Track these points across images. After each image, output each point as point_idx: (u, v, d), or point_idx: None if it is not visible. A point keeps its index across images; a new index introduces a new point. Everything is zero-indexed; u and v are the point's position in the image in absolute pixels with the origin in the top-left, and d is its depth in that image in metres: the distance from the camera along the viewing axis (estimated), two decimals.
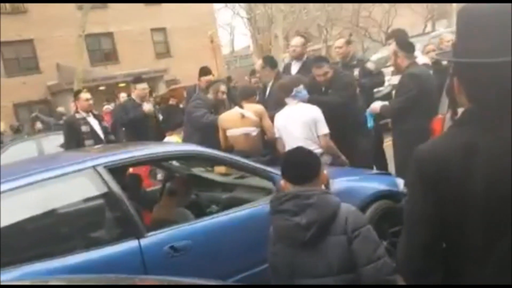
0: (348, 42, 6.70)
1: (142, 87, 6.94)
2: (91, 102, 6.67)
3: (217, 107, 5.75)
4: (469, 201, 1.39)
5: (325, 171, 2.55)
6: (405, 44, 5.04)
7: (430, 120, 4.26)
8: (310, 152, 2.52)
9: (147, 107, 6.75)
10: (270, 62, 6.16)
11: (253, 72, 9.85)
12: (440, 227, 1.44)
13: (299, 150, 2.57)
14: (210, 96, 5.81)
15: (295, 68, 6.24)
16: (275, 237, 2.44)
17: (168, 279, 2.36)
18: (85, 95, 6.68)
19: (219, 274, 3.22)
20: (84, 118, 6.44)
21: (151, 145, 4.10)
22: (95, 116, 6.66)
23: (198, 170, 5.12)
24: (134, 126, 6.61)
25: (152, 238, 3.19)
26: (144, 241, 3.14)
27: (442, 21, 31.36)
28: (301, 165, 2.42)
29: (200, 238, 3.37)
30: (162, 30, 28.44)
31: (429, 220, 1.45)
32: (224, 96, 5.81)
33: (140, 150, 3.76)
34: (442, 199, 1.42)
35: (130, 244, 3.11)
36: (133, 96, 7.00)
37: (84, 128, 6.34)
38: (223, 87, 5.85)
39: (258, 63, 6.15)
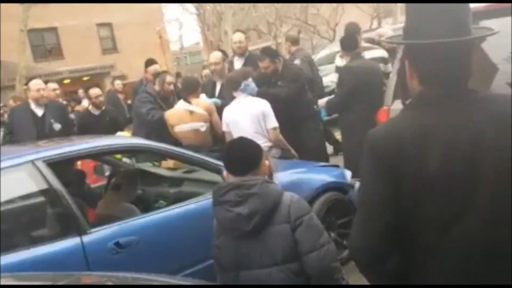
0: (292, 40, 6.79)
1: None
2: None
3: (165, 99, 5.60)
4: (425, 183, 1.37)
5: (269, 162, 2.51)
6: (343, 41, 5.20)
7: (374, 111, 4.33)
8: (251, 143, 2.48)
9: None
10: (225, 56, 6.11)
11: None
12: (397, 209, 1.42)
13: (240, 141, 2.54)
14: (157, 87, 5.65)
15: (238, 64, 6.13)
16: (219, 229, 2.39)
17: (109, 275, 2.27)
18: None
19: (166, 269, 3.14)
20: None
21: (95, 139, 3.96)
22: None
23: (145, 165, 5.01)
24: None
25: (95, 234, 3.10)
26: (86, 238, 3.04)
27: (388, 20, 32.13)
28: (241, 156, 2.39)
29: (147, 234, 3.29)
30: (109, 25, 27.80)
31: (386, 203, 1.42)
32: (171, 87, 5.65)
33: (82, 144, 3.62)
34: (399, 181, 1.40)
35: (72, 241, 3.01)
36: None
37: None
38: (169, 78, 5.69)
39: (215, 56, 5.85)
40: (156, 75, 5.91)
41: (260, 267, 2.25)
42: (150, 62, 6.66)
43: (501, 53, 3.32)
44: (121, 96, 11.57)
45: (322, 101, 5.46)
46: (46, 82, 6.50)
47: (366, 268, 1.52)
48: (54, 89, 7.12)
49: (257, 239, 2.26)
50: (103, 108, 6.67)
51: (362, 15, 33.24)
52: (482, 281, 1.38)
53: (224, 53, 6.23)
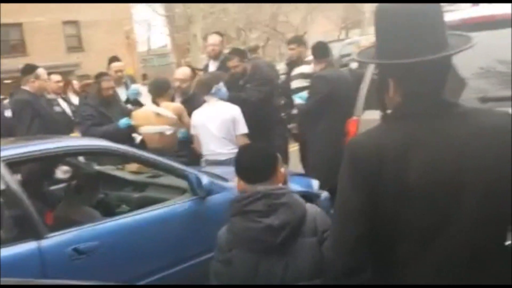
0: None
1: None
2: (60, 84, 7.02)
3: (109, 105, 5.33)
4: (405, 195, 1.35)
5: (284, 170, 2.39)
6: (317, 49, 5.20)
7: (343, 121, 4.32)
8: (265, 148, 2.31)
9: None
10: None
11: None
12: (374, 222, 1.39)
13: (254, 147, 2.39)
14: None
15: (213, 67, 5.98)
16: (233, 241, 2.14)
17: (64, 283, 2.16)
18: (55, 77, 6.93)
19: (127, 276, 3.06)
20: (55, 100, 6.66)
21: (58, 139, 3.81)
22: (64, 99, 6.91)
23: (108, 168, 4.86)
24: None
25: (53, 239, 2.95)
26: (44, 243, 2.89)
27: (355, 31, 32.63)
28: (258, 162, 2.21)
29: (108, 239, 3.17)
30: (75, 23, 27.32)
31: (363, 215, 1.39)
32: (110, 92, 5.35)
33: (44, 144, 3.48)
34: (378, 192, 1.37)
35: (28, 246, 2.86)
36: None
37: (57, 109, 6.39)
38: (105, 84, 5.33)
39: (183, 72, 5.41)
40: (101, 76, 5.52)
41: (283, 283, 2.06)
42: (113, 59, 6.39)
43: (470, 68, 3.35)
44: (73, 96, 10.69)
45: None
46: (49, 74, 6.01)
47: (335, 281, 1.48)
48: (57, 81, 7.02)
49: (282, 253, 2.07)
50: None
51: (331, 25, 33.77)
52: None
53: (193, 70, 5.84)
